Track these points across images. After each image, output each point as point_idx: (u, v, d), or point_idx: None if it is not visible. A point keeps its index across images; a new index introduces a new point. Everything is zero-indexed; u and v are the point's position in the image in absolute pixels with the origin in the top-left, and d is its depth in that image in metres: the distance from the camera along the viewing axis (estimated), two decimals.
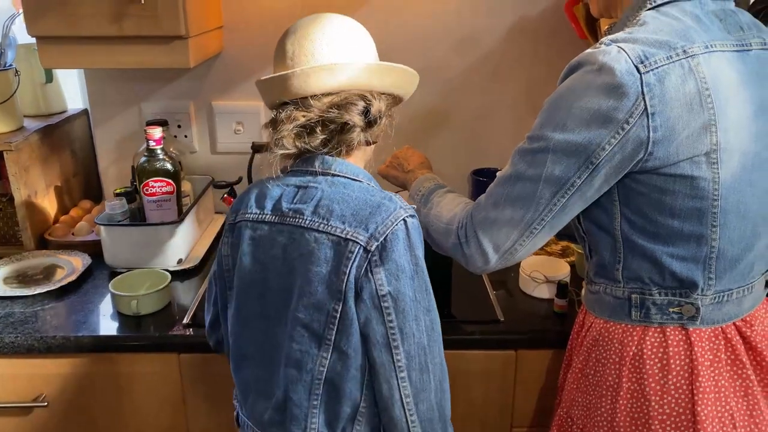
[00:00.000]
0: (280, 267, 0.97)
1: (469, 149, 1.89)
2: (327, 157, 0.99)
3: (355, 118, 0.96)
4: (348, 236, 0.92)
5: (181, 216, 1.61)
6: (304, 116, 0.96)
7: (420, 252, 0.96)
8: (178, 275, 1.58)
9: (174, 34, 1.43)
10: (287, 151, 0.97)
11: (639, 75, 0.89)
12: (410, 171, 1.35)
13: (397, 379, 0.94)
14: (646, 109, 0.89)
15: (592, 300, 1.10)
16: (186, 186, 1.76)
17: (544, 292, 1.47)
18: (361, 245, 0.91)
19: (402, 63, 1.87)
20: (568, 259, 1.63)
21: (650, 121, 0.90)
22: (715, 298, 1.00)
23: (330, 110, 0.95)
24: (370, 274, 0.91)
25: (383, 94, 1.01)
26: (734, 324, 1.02)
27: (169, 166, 1.58)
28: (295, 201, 0.97)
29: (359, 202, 0.94)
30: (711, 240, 0.96)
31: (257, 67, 1.81)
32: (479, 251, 1.02)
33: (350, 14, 1.75)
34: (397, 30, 1.77)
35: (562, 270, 1.49)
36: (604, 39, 0.95)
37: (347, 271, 0.91)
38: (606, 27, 1.26)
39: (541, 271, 1.47)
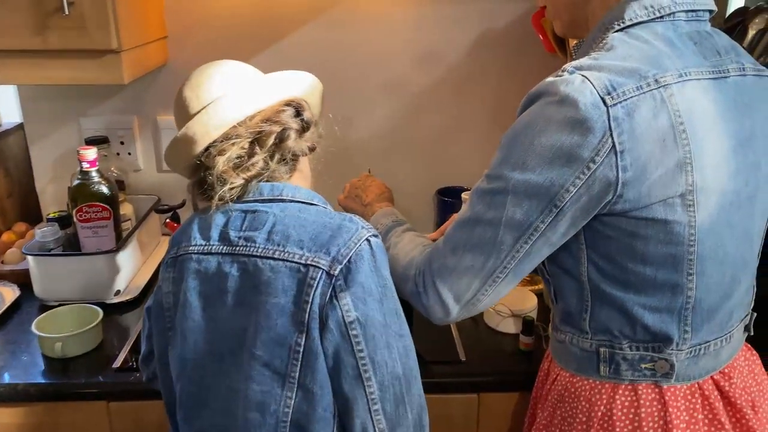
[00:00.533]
0: (232, 301, 0.89)
1: (434, 168, 1.80)
2: (276, 183, 0.93)
3: (290, 121, 0.93)
4: (308, 262, 0.85)
5: (119, 244, 1.49)
6: (234, 144, 0.90)
7: (387, 272, 0.89)
8: (116, 308, 1.45)
9: (105, 48, 1.30)
10: (234, 185, 0.90)
11: (605, 108, 0.79)
12: (368, 204, 1.26)
13: (371, 413, 0.86)
14: (614, 146, 0.79)
15: (557, 349, 1.01)
16: (127, 209, 1.64)
17: (510, 326, 1.37)
18: (323, 270, 0.85)
19: (361, 79, 1.79)
20: (536, 287, 1.53)
21: (619, 159, 0.80)
22: (691, 352, 0.90)
23: (262, 125, 0.91)
24: (335, 301, 0.84)
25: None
26: (712, 378, 0.93)
27: (105, 189, 1.46)
28: (244, 228, 0.90)
29: (317, 226, 0.88)
30: (687, 289, 0.87)
31: None
32: (439, 302, 0.92)
33: (302, 27, 1.69)
34: (353, 44, 1.67)
35: (528, 303, 1.39)
36: (567, 66, 0.85)
37: (310, 300, 0.84)
38: (574, 43, 1.17)
39: (507, 304, 1.37)
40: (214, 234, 0.91)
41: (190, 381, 0.95)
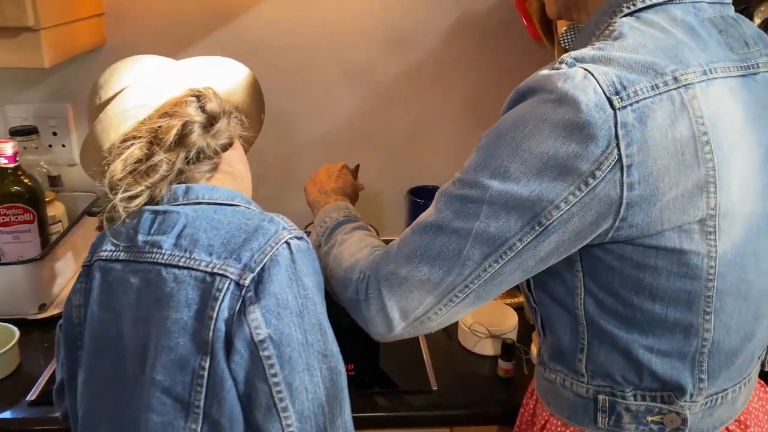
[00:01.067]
0: (133, 317, 0.81)
1: (405, 165, 1.66)
2: (192, 185, 0.84)
3: (193, 113, 0.84)
4: (215, 270, 0.76)
5: (45, 250, 1.31)
6: (132, 145, 0.81)
7: (311, 280, 0.78)
8: (40, 326, 1.28)
9: (19, 25, 1.12)
10: (131, 193, 0.81)
11: (612, 111, 0.64)
12: (325, 193, 1.10)
13: None
14: (620, 158, 0.65)
15: (546, 389, 0.86)
16: (58, 209, 1.46)
17: (488, 347, 1.23)
18: (231, 280, 0.75)
19: (323, 66, 1.63)
20: (514, 301, 1.38)
21: (625, 175, 0.65)
22: (706, 403, 0.77)
23: (159, 120, 0.82)
24: (243, 316, 0.74)
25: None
26: (727, 429, 0.80)
27: (26, 188, 1.29)
28: (152, 231, 0.82)
29: (232, 228, 0.79)
30: (703, 331, 0.73)
31: None
32: (382, 314, 0.78)
33: (257, 5, 1.49)
34: (314, 26, 1.52)
35: (508, 321, 1.25)
36: (566, 57, 0.69)
37: (214, 315, 0.75)
38: (564, 29, 1.02)
39: (484, 323, 1.22)
40: (123, 238, 0.83)
41: (89, 410, 0.86)
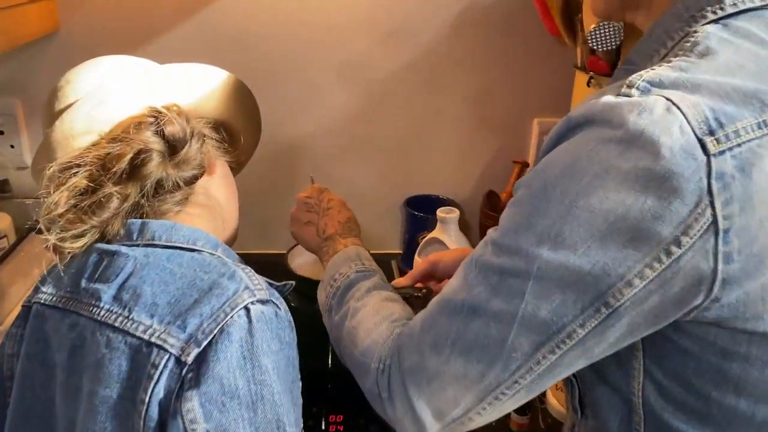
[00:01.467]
0: (66, 383, 0.70)
1: (401, 173, 1.57)
2: (149, 221, 0.74)
3: (150, 139, 0.73)
4: (153, 339, 0.65)
5: None
6: (75, 174, 0.70)
7: (272, 361, 0.66)
8: None
9: None
10: (72, 232, 0.70)
11: (706, 158, 0.49)
12: (328, 238, 0.95)
13: None
14: (714, 220, 0.50)
15: None
16: (2, 222, 1.33)
17: None
18: (171, 355, 0.64)
19: (310, 61, 1.45)
20: None
21: (720, 243, 0.51)
22: None
23: (110, 146, 0.72)
24: (178, 404, 0.63)
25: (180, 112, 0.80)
26: None
27: None
28: (96, 277, 0.72)
29: (184, 284, 0.68)
30: None
31: (108, 51, 1.36)
32: (411, 417, 0.65)
33: None
34: (300, 15, 1.40)
35: None
36: (636, 78, 0.53)
37: (147, 399, 0.64)
38: (593, 26, 0.87)
39: None
40: (66, 280, 0.74)
41: None
